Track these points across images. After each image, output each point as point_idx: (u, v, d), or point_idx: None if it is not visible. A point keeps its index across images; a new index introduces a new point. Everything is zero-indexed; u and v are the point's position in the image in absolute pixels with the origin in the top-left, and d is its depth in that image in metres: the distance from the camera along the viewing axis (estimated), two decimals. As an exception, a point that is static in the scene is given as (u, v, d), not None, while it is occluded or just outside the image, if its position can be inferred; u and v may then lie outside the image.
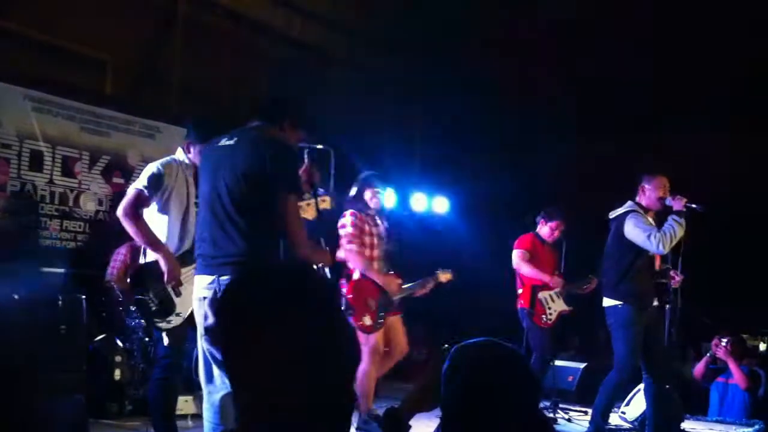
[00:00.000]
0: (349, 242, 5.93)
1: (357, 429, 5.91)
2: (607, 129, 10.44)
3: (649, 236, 5.69)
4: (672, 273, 6.02)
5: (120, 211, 4.55)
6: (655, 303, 5.97)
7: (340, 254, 5.97)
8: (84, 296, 6.31)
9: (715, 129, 9.75)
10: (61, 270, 7.40)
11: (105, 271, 7.03)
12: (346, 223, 6.01)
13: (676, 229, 5.66)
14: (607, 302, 5.97)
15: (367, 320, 5.87)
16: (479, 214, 11.22)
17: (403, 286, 6.27)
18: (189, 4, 8.82)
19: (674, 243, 5.71)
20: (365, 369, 5.88)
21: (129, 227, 4.54)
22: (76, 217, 7.77)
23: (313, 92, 9.28)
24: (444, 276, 6.55)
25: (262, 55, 9.38)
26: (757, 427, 7.11)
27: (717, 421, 7.69)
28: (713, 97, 9.41)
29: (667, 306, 6.01)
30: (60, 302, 6.05)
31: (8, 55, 7.44)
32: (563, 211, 7.45)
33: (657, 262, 6.03)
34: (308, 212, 4.48)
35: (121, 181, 8.21)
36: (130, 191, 4.60)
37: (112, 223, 8.00)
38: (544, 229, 7.42)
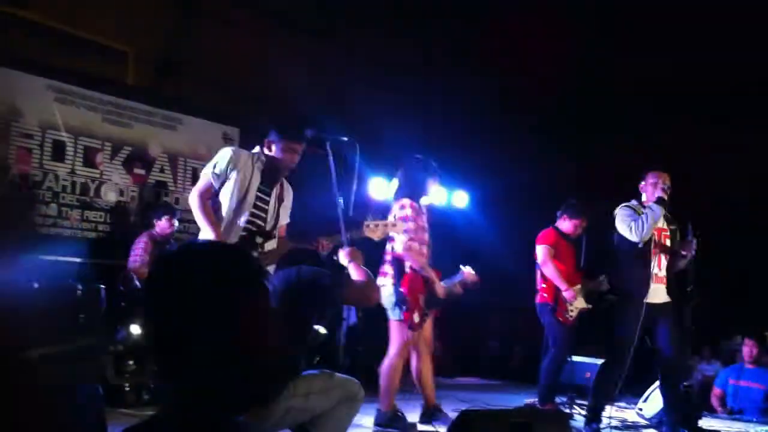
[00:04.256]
0: (411, 239, 5.73)
1: (378, 425, 5.81)
2: (629, 125, 10.37)
3: (627, 226, 5.89)
4: (683, 248, 6.02)
5: (192, 194, 4.70)
6: (663, 299, 5.98)
7: (396, 247, 5.79)
8: (103, 286, 6.35)
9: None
10: (81, 259, 7.46)
11: (125, 261, 7.10)
12: (408, 216, 5.74)
13: (648, 216, 5.82)
14: (611, 296, 6.15)
15: (416, 317, 5.77)
16: (499, 208, 11.19)
17: (444, 284, 6.14)
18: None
19: (648, 230, 5.82)
20: (394, 364, 5.78)
21: (195, 211, 4.63)
22: (97, 208, 7.83)
23: (333, 83, 9.29)
24: (470, 275, 6.40)
25: (284, 45, 9.39)
26: (774, 424, 7.08)
27: (734, 419, 7.66)
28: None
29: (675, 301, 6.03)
30: (79, 291, 6.10)
31: (31, 45, 7.49)
32: (586, 207, 7.38)
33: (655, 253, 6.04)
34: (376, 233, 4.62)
35: (142, 172, 8.28)
36: (202, 176, 4.75)
37: (133, 213, 8.10)
38: (566, 224, 7.31)
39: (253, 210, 4.76)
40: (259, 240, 4.73)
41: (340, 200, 4.70)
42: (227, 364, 1.44)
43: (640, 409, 7.22)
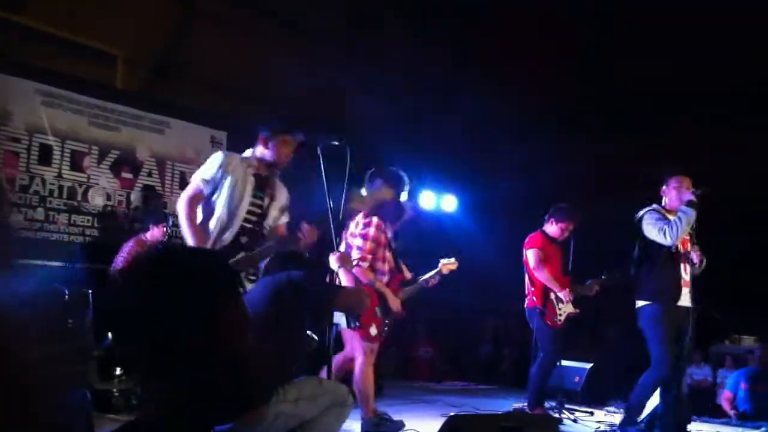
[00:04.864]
0: (363, 259, 5.70)
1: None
2: (620, 129, 10.36)
3: (660, 230, 5.82)
4: (693, 254, 6.01)
5: (181, 199, 4.71)
6: (687, 303, 5.95)
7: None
8: (91, 290, 6.31)
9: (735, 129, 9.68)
10: (69, 264, 7.41)
11: (112, 266, 7.05)
12: (369, 234, 5.74)
13: (682, 219, 5.76)
14: (637, 303, 6.01)
15: (374, 330, 5.74)
16: (488, 212, 11.20)
17: (406, 288, 6.19)
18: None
19: (682, 233, 5.78)
20: (364, 371, 5.74)
21: (181, 216, 4.65)
22: (85, 212, 7.78)
23: (327, 86, 9.26)
24: (446, 267, 6.47)
25: (278, 47, 9.34)
26: (764, 429, 7.08)
27: (723, 423, 7.67)
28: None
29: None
30: (67, 296, 6.06)
31: (18, 48, 7.45)
32: (574, 211, 7.38)
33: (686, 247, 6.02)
34: None
35: (130, 176, 8.24)
36: (192, 181, 4.77)
37: (121, 217, 8.05)
38: (553, 228, 7.32)
39: (248, 215, 4.77)
40: (243, 239, 4.74)
41: (331, 204, 4.69)
42: (206, 367, 1.44)
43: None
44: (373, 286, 5.77)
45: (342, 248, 5.79)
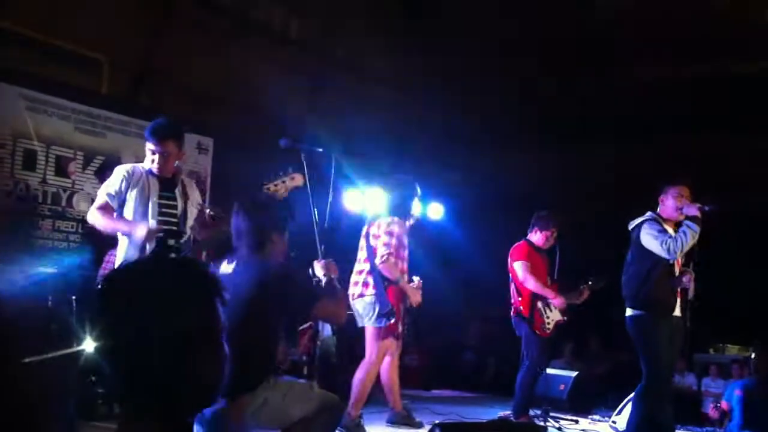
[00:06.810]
0: (390, 255, 5.88)
1: (344, 428, 5.81)
2: (606, 134, 10.40)
3: (661, 243, 5.74)
4: (684, 275, 5.99)
5: (91, 212, 4.93)
6: (678, 313, 5.93)
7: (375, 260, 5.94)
8: (75, 296, 6.27)
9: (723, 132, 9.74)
10: (53, 270, 7.36)
11: (97, 272, 7.01)
12: (394, 231, 5.93)
13: (687, 234, 5.68)
14: (628, 311, 5.94)
15: (400, 326, 5.97)
16: (474, 220, 11.21)
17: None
18: (186, 3, 8.80)
19: (685, 248, 5.72)
20: (372, 371, 5.89)
21: (99, 221, 4.88)
22: (69, 218, 7.74)
23: (309, 93, 9.28)
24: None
25: (260, 55, 9.35)
26: (747, 436, 7.10)
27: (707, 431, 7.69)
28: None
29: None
30: (50, 302, 6.03)
31: (3, 53, 7.42)
32: (556, 217, 7.40)
33: (678, 268, 5.99)
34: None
35: (115, 181, 8.19)
36: (99, 195, 4.98)
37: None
38: (537, 237, 7.33)
39: (162, 218, 4.90)
40: (171, 242, 4.86)
41: (315, 211, 4.70)
42: (179, 379, 1.44)
43: (614, 422, 7.23)
44: (398, 283, 5.93)
45: (362, 254, 5.99)
